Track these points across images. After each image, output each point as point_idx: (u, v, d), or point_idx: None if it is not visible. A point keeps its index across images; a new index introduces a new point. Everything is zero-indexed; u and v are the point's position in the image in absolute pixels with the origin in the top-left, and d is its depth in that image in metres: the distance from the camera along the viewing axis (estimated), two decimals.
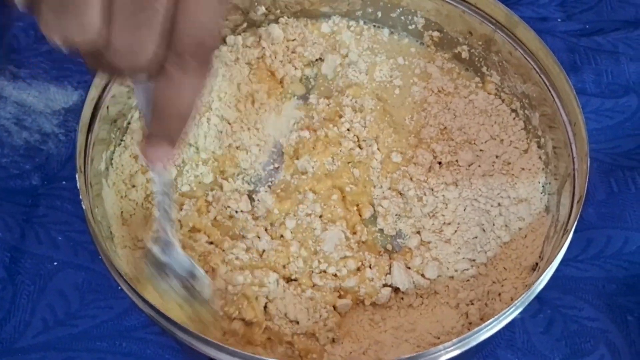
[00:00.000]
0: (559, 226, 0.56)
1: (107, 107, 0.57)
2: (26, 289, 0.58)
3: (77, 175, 0.51)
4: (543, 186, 0.60)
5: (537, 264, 0.58)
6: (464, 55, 0.66)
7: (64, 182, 0.63)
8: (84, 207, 0.50)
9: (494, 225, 0.59)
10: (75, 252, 0.60)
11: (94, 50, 0.36)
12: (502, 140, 0.63)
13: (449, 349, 0.48)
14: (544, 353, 0.57)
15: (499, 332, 0.56)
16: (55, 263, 0.59)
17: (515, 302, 0.50)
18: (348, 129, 0.64)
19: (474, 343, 0.49)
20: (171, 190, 0.50)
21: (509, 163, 0.62)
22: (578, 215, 0.52)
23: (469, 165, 0.62)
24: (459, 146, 0.63)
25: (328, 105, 0.65)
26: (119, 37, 0.36)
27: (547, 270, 0.51)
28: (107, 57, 0.36)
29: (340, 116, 0.65)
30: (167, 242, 0.50)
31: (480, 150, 0.63)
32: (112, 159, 0.59)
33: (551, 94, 0.59)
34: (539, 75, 0.60)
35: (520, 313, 0.58)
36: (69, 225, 0.61)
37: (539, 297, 0.59)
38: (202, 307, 0.52)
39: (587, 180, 0.53)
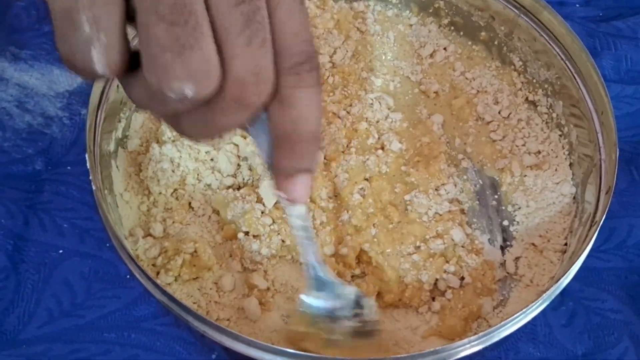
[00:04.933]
0: (585, 218, 0.54)
1: (118, 85, 0.55)
2: (30, 278, 0.56)
3: (86, 155, 0.49)
4: (573, 173, 0.58)
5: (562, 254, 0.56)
6: (485, 40, 0.64)
7: (68, 168, 0.61)
8: (93, 187, 0.48)
9: (516, 222, 0.59)
10: (82, 240, 0.58)
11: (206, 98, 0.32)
12: (521, 129, 0.62)
13: (473, 343, 0.47)
14: (567, 346, 0.56)
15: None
16: (61, 251, 0.57)
17: (543, 296, 0.48)
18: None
19: (496, 338, 0.48)
20: (310, 221, 0.46)
21: (529, 153, 0.60)
22: (608, 207, 0.50)
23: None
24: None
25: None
26: (240, 63, 0.31)
27: (575, 264, 0.49)
28: (227, 97, 0.32)
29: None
30: (325, 282, 0.47)
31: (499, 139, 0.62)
32: (121, 139, 0.57)
33: (576, 82, 0.57)
34: (564, 62, 0.58)
35: None
36: (75, 212, 0.59)
37: (560, 289, 0.57)
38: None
39: (616, 171, 0.51)
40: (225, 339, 0.45)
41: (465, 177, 0.61)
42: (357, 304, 0.48)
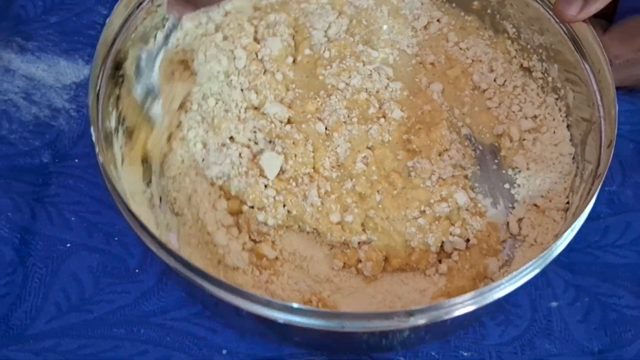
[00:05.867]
0: (587, 175, 0.54)
1: (115, 62, 0.54)
2: (38, 272, 0.55)
3: (91, 129, 0.48)
4: (572, 135, 0.58)
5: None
6: (478, 10, 0.64)
7: (76, 160, 0.60)
8: (100, 160, 0.47)
9: (517, 185, 0.59)
10: (90, 234, 0.57)
11: None
12: (517, 95, 0.62)
13: (466, 302, 0.45)
14: (582, 342, 0.55)
15: (535, 320, 0.55)
16: (69, 245, 0.56)
17: (541, 255, 0.46)
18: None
19: (490, 299, 0.45)
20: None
21: (526, 118, 0.61)
22: (609, 160, 0.49)
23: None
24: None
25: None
26: None
27: (580, 217, 0.48)
28: None
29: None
30: None
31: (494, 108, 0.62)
32: (122, 117, 0.55)
33: (572, 45, 0.57)
34: (559, 26, 0.58)
35: (557, 301, 0.56)
36: (83, 205, 0.58)
37: (576, 285, 0.57)
38: None
39: (616, 125, 0.51)
40: (241, 302, 0.43)
41: (466, 143, 0.61)
42: None
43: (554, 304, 0.56)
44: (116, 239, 0.57)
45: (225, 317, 0.53)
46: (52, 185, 0.59)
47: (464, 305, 0.45)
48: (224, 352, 0.53)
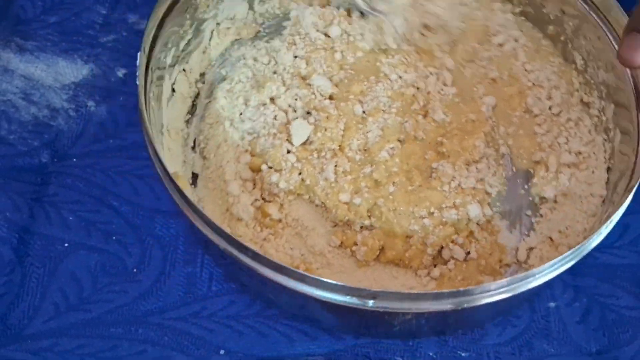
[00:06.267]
0: (604, 218, 0.53)
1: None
2: (36, 272, 0.55)
3: (139, 54, 0.49)
4: (609, 178, 0.58)
5: None
6: (552, 35, 0.64)
7: (74, 160, 0.60)
8: (138, 82, 0.48)
9: (539, 215, 0.58)
10: (88, 233, 0.57)
11: None
12: (568, 128, 0.61)
13: (499, 289, 0.46)
14: (580, 343, 0.55)
15: (534, 320, 0.55)
16: (67, 244, 0.56)
17: (569, 252, 0.47)
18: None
19: (519, 290, 0.46)
20: None
21: (570, 152, 0.60)
22: (623, 204, 0.49)
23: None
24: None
25: None
26: None
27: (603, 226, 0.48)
28: None
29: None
30: None
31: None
32: (183, 52, 0.56)
33: (632, 87, 0.56)
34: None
35: (556, 301, 0.56)
36: (81, 204, 0.58)
37: (574, 286, 0.57)
38: None
39: None
40: (222, 241, 0.45)
41: (501, 161, 0.61)
42: None
43: (553, 304, 0.56)
44: (114, 238, 0.57)
45: (211, 254, 0.55)
46: (50, 184, 0.59)
47: (438, 299, 0.45)
48: (222, 352, 0.53)
